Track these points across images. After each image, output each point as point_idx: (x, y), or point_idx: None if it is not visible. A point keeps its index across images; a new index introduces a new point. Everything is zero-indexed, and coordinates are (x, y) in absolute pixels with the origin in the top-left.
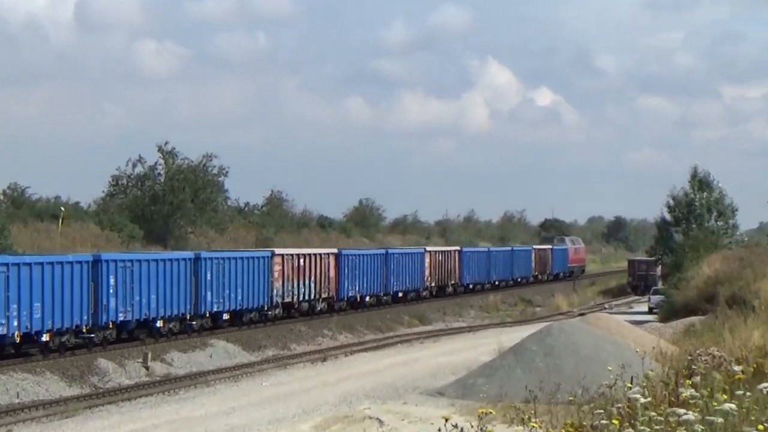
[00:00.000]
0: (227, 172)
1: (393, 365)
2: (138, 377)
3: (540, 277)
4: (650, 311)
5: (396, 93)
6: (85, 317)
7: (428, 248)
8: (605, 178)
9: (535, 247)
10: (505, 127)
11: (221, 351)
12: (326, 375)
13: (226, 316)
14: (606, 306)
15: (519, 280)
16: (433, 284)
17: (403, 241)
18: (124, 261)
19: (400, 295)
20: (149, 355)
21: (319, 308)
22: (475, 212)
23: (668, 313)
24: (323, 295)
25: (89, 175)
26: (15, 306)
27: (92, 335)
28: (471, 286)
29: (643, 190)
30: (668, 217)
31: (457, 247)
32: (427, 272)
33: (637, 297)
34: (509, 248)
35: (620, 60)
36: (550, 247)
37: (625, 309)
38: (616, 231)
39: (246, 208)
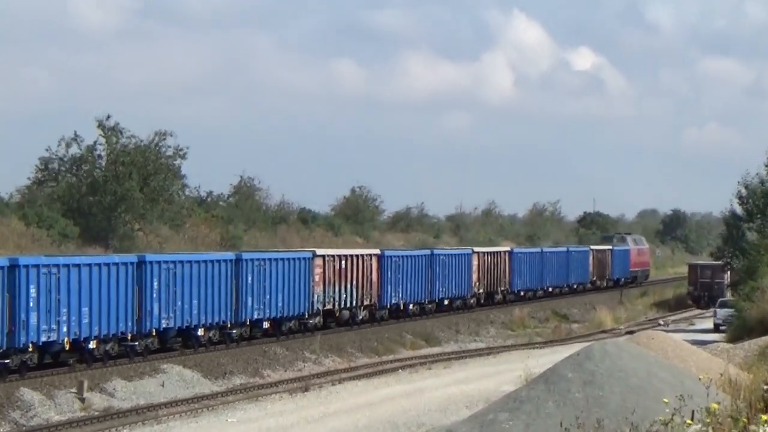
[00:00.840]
0: (185, 153)
1: (392, 397)
2: (71, 411)
3: (599, 283)
4: (716, 329)
5: (397, 54)
6: (129, 323)
7: (476, 249)
8: (660, 161)
9: (592, 247)
10: (535, 97)
11: (176, 378)
12: (308, 409)
13: (266, 324)
14: (661, 322)
15: (575, 286)
16: (480, 290)
17: (406, 240)
18: (167, 262)
19: (446, 302)
20: (85, 384)
21: (360, 317)
22: (497, 204)
23: (739, 331)
24: (365, 302)
25: (11, 159)
26: (65, 310)
27: (135, 343)
28: (522, 293)
29: (707, 177)
30: (739, 210)
31: (508, 248)
32: (474, 276)
33: (699, 311)
34: (564, 249)
35: (679, 13)
36: (610, 247)
37: (684, 326)
38: (673, 228)
39: (209, 199)
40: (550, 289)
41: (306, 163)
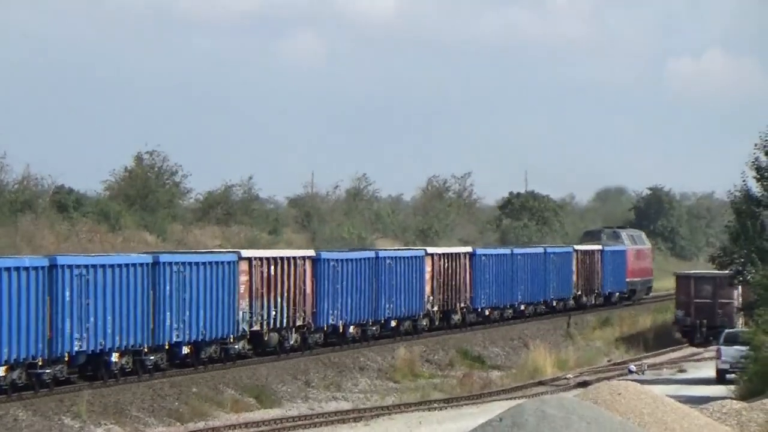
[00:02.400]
0: None
1: None
2: None
3: (585, 299)
4: (721, 378)
5: None
6: (40, 345)
7: (430, 249)
8: (631, 111)
9: (576, 247)
10: (429, 11)
11: None
12: None
13: (186, 350)
14: (632, 368)
15: (554, 303)
16: (435, 308)
17: (224, 237)
18: (80, 266)
19: (393, 324)
20: None
21: (292, 342)
22: (370, 180)
23: (757, 381)
24: (297, 322)
25: None
26: None
27: (46, 370)
28: (487, 313)
29: (706, 136)
30: (757, 188)
31: (469, 248)
32: (427, 288)
33: (694, 350)
34: (541, 249)
35: None
36: (599, 247)
37: (670, 374)
38: (651, 217)
39: None
40: (522, 308)
41: (64, 116)
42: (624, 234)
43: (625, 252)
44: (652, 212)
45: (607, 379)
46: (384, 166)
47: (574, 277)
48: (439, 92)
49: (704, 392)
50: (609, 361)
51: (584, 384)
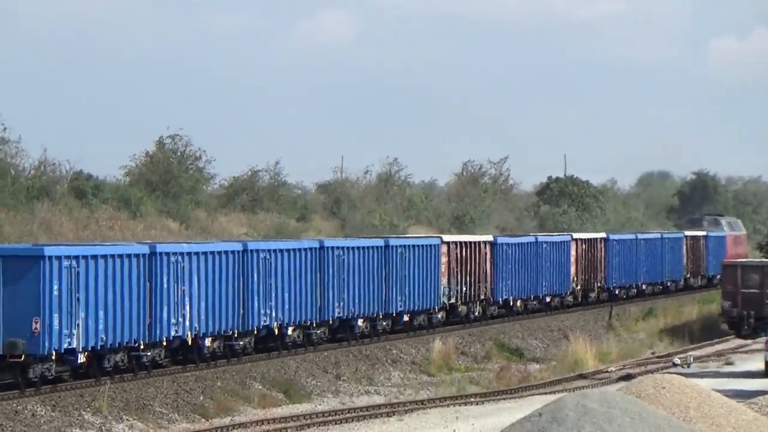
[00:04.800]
0: None
1: None
2: None
3: (692, 281)
4: None
5: None
6: (237, 320)
7: (575, 235)
8: (672, 93)
9: (686, 233)
10: None
11: None
12: None
13: (405, 318)
14: (677, 360)
15: (669, 285)
16: (578, 287)
17: (251, 224)
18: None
19: (548, 300)
20: None
21: (476, 313)
22: (401, 165)
23: None
24: (480, 297)
25: None
26: None
27: (239, 342)
28: (617, 292)
29: (753, 118)
30: None
31: (603, 234)
32: (572, 269)
33: (741, 341)
34: (658, 235)
35: None
36: (704, 233)
37: (716, 366)
38: (696, 202)
39: None
40: (644, 287)
41: (83, 99)
42: (723, 221)
43: (725, 238)
44: (697, 198)
45: (651, 372)
46: (417, 150)
47: (684, 261)
48: (473, 73)
49: (752, 386)
50: (653, 353)
51: (627, 377)
